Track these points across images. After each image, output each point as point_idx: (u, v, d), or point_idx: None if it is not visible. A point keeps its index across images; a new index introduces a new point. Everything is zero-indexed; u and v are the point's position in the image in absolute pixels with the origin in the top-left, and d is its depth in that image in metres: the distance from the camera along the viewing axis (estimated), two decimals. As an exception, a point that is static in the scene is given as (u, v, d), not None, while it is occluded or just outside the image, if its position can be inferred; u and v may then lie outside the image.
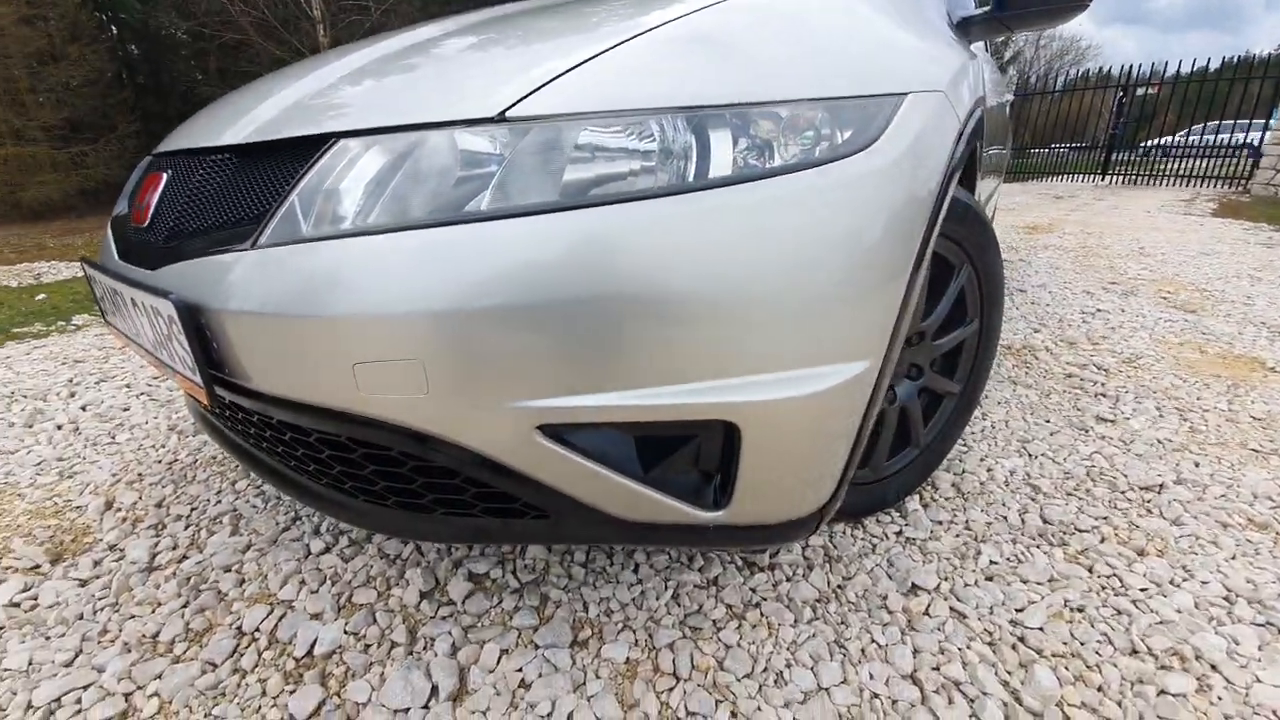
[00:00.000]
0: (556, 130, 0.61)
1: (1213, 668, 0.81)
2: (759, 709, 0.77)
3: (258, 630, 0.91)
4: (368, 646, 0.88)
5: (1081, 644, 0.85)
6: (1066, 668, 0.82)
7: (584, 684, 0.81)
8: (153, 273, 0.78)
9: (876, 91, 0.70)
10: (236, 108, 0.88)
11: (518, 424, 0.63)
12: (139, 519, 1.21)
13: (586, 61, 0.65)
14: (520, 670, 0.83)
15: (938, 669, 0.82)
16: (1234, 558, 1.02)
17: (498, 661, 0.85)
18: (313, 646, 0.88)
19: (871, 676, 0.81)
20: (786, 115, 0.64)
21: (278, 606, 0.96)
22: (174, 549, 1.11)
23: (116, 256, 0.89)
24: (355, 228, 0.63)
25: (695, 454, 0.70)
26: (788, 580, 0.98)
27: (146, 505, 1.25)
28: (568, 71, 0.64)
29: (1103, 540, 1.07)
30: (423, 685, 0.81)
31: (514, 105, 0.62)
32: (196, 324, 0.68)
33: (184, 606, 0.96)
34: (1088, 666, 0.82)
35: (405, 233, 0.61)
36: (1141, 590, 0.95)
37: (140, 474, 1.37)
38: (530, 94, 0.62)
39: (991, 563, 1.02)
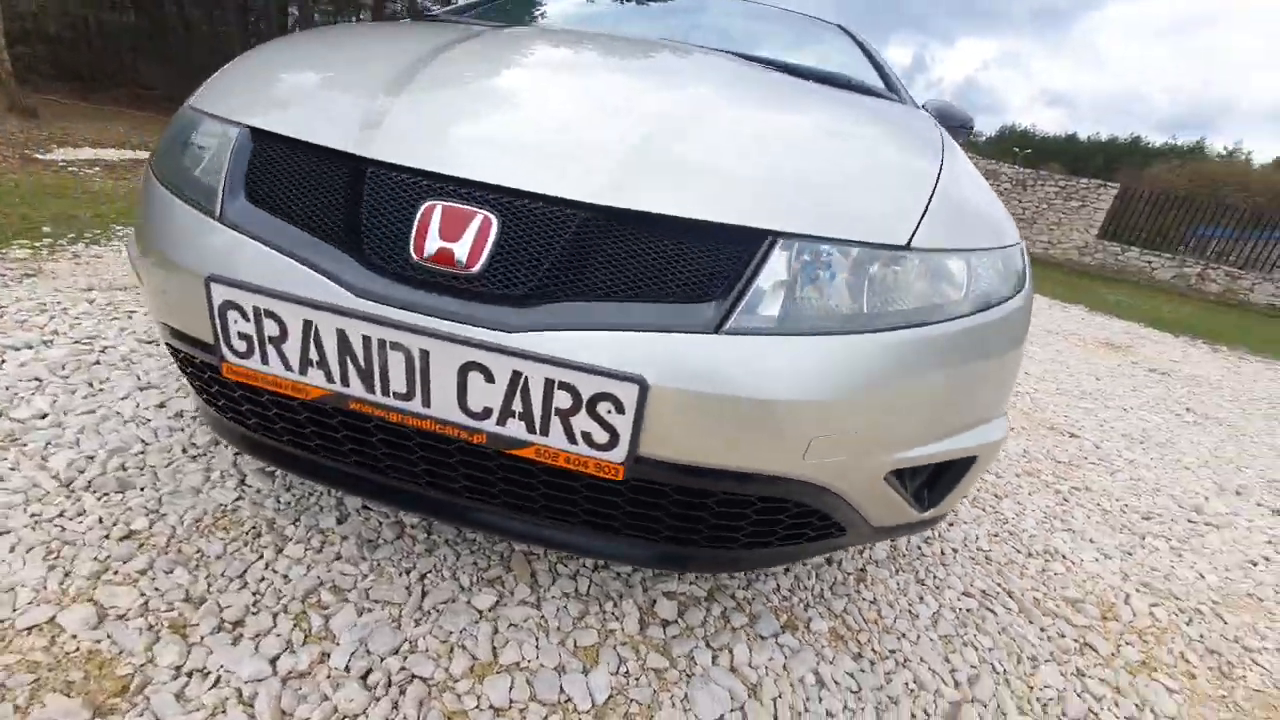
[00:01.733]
0: (935, 260, 0.83)
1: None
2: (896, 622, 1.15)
3: (533, 701, 0.88)
4: (638, 680, 0.95)
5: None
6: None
7: (822, 652, 1.06)
8: (513, 335, 0.69)
9: (1011, 242, 1.07)
10: (516, 132, 0.79)
11: (880, 471, 0.85)
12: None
13: (929, 205, 0.86)
14: (771, 658, 1.03)
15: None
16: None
17: (750, 655, 1.03)
18: (594, 698, 0.90)
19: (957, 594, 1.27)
20: (1003, 259, 0.97)
21: (516, 673, 0.92)
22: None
23: (362, 295, 0.71)
24: (806, 326, 0.73)
25: (937, 474, 1.01)
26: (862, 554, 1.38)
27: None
28: (924, 214, 0.85)
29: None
30: (722, 694, 0.94)
31: (913, 237, 0.80)
32: (643, 402, 0.67)
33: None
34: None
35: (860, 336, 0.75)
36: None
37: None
38: (918, 228, 0.82)
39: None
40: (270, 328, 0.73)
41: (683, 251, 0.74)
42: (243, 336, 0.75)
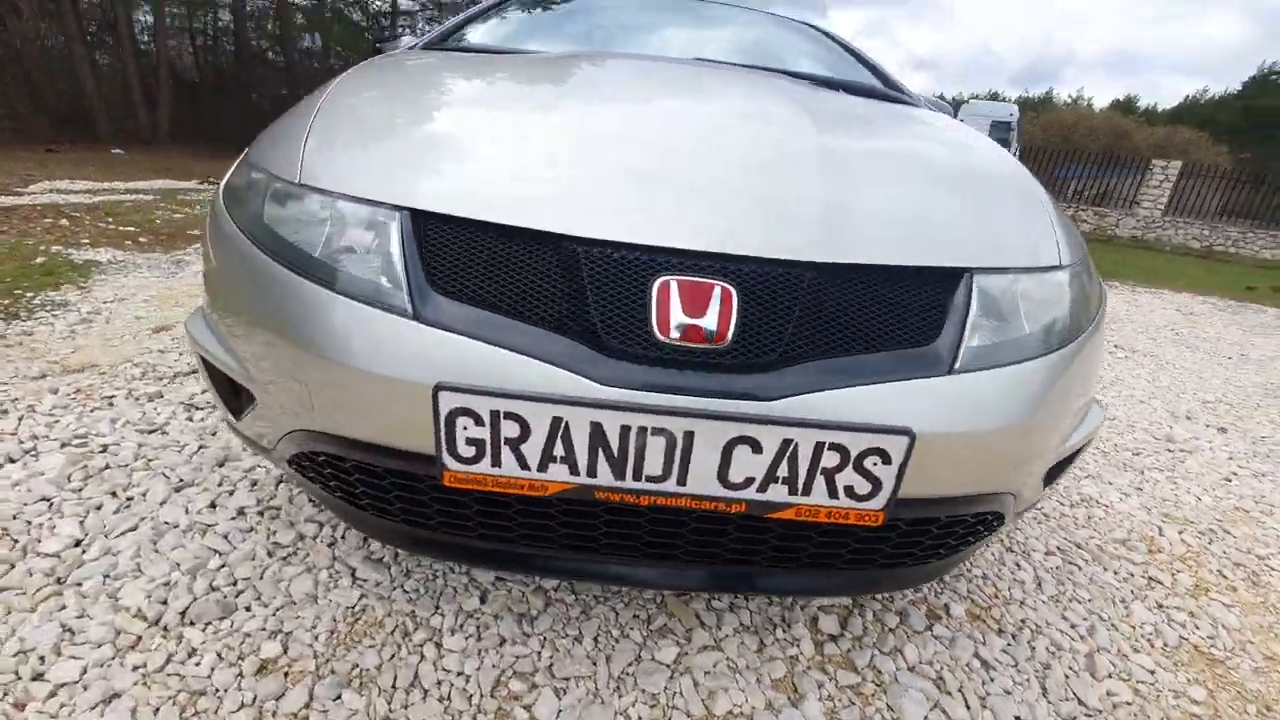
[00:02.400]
0: (1078, 273, 0.91)
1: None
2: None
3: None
4: (843, 701, 0.99)
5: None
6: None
7: (972, 635, 1.16)
8: (772, 404, 0.69)
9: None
10: (708, 205, 0.78)
11: (1046, 467, 0.93)
12: None
13: (1053, 220, 0.95)
14: (936, 651, 1.11)
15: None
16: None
17: (919, 652, 1.10)
18: (814, 726, 0.93)
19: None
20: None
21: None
22: None
23: (611, 383, 0.68)
24: (1010, 355, 0.79)
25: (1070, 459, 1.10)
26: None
27: None
28: (1055, 230, 0.93)
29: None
30: (919, 695, 1.01)
31: (1061, 255, 0.88)
32: (911, 451, 0.70)
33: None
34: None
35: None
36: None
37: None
38: (1059, 246, 0.90)
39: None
40: (509, 429, 0.68)
41: (899, 298, 0.77)
42: (472, 442, 0.69)
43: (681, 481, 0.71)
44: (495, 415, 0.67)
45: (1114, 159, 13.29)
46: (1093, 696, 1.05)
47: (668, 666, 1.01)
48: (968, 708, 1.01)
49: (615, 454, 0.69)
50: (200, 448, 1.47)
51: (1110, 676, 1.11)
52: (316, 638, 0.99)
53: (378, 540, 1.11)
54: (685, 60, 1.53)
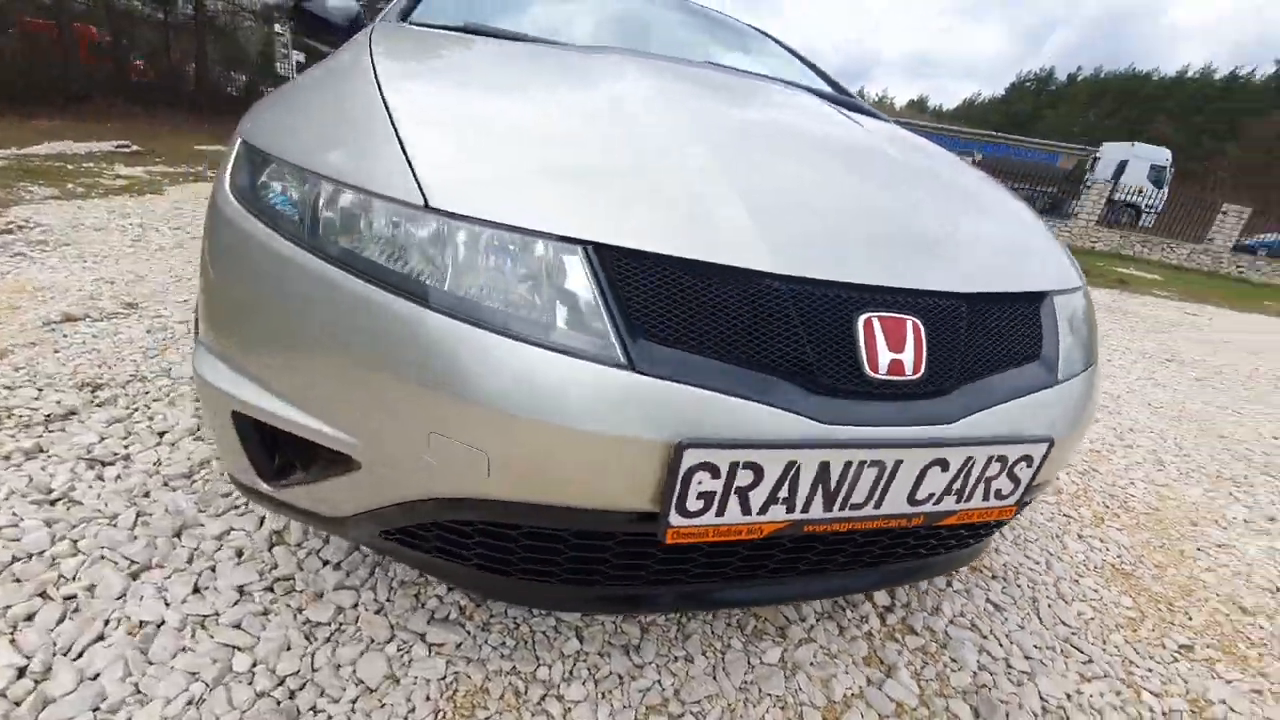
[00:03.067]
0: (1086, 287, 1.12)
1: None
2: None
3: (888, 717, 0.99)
4: (915, 664, 1.14)
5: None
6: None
7: (981, 585, 1.39)
8: (951, 425, 0.76)
9: None
10: (854, 243, 0.81)
11: None
12: None
13: (1056, 240, 1.15)
14: (962, 604, 1.32)
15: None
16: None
17: (951, 607, 1.29)
18: (912, 690, 1.06)
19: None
20: None
21: (856, 702, 1.02)
22: None
23: (833, 421, 0.69)
24: (1079, 364, 0.95)
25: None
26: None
27: None
28: (1062, 249, 1.13)
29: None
30: (968, 641, 1.19)
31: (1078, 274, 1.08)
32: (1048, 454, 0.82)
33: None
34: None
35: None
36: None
37: None
38: (1071, 263, 1.10)
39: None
40: (744, 478, 0.66)
41: (1014, 320, 0.89)
42: (702, 495, 0.66)
43: (878, 505, 0.76)
44: (734, 467, 0.65)
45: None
46: (1071, 616, 1.34)
47: (778, 666, 1.07)
48: (1000, 645, 1.22)
49: (832, 489, 0.71)
50: (139, 516, 1.16)
51: (1075, 600, 1.41)
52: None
53: (525, 605, 1.02)
54: (697, 63, 1.52)
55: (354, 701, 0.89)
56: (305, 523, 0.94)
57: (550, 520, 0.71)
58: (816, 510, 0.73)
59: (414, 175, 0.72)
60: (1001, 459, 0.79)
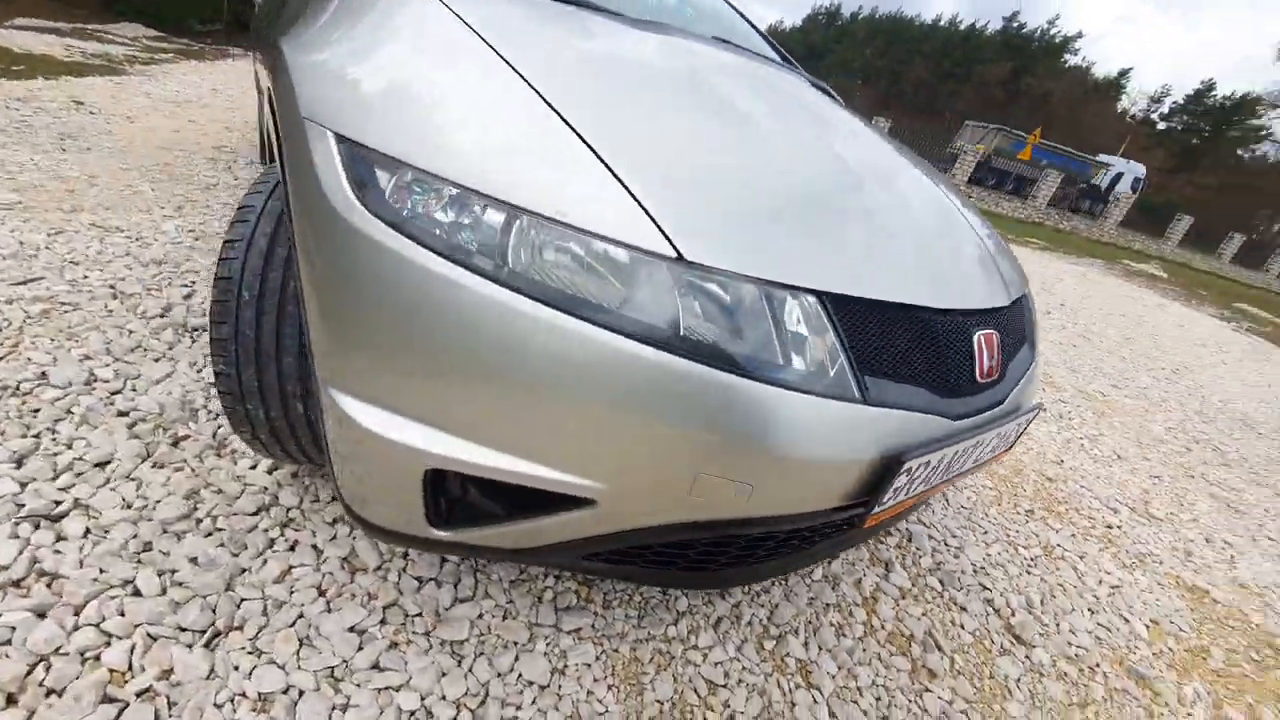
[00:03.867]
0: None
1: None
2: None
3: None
4: (877, 595, 1.54)
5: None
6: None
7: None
8: (1005, 404, 1.03)
9: None
10: (944, 278, 0.99)
11: None
12: None
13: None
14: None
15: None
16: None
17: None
18: (894, 589, 1.46)
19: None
20: None
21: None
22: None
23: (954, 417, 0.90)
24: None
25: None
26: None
27: None
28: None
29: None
30: (901, 582, 1.63)
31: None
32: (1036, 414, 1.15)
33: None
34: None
35: None
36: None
37: None
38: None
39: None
40: (919, 472, 0.86)
41: (1015, 317, 1.19)
42: (898, 490, 0.84)
43: (965, 466, 1.02)
44: (923, 465, 0.84)
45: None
46: (965, 500, 1.89)
47: (825, 582, 1.37)
48: (938, 530, 1.69)
49: (953, 462, 0.95)
50: (163, 574, 0.95)
51: (964, 488, 1.97)
52: (606, 706, 0.97)
53: (707, 589, 1.17)
54: (741, 51, 1.51)
55: (534, 701, 0.94)
56: (469, 556, 0.91)
57: (772, 525, 0.83)
58: (939, 478, 0.97)
59: (653, 220, 0.70)
60: (1019, 423, 1.12)
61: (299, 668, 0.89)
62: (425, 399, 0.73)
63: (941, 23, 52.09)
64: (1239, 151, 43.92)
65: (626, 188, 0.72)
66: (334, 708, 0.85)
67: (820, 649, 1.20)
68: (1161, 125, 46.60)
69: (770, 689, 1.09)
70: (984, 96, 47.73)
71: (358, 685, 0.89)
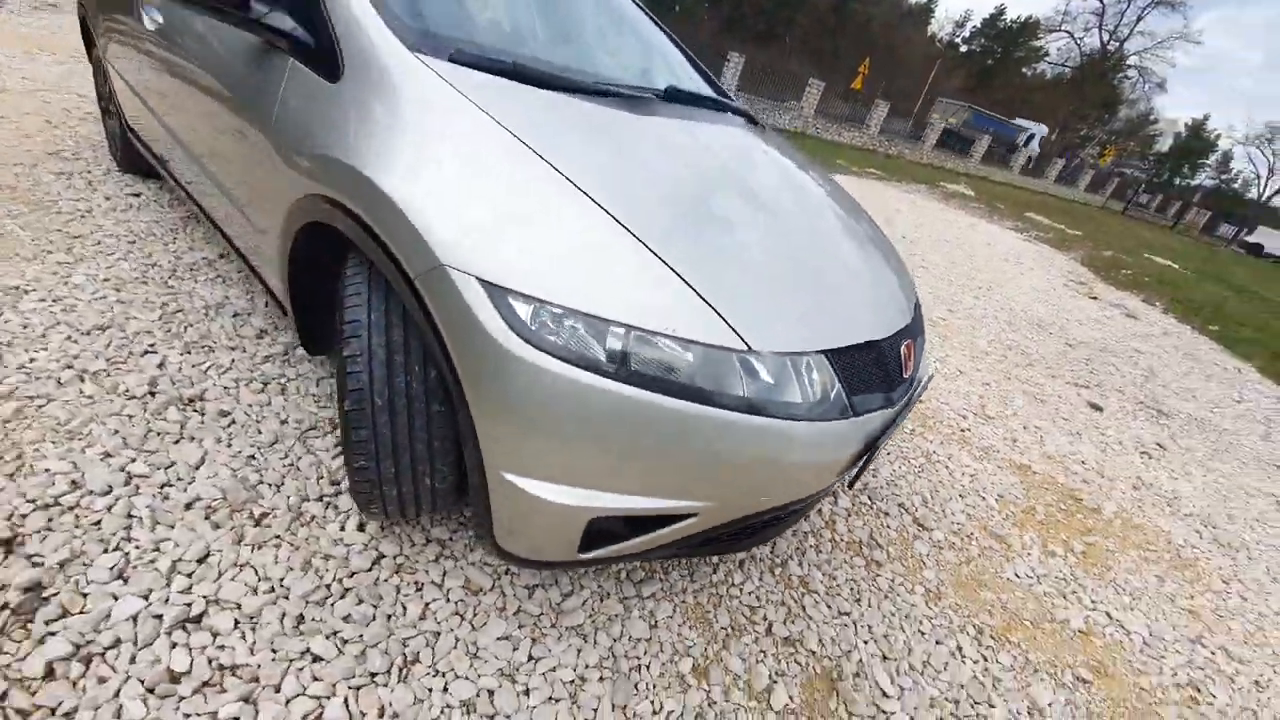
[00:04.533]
0: None
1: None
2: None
3: (847, 527, 1.90)
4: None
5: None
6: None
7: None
8: (919, 381, 1.52)
9: None
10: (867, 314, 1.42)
11: None
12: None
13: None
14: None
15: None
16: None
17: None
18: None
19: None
20: None
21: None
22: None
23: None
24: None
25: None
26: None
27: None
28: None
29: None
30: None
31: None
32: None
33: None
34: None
35: None
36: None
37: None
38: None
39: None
40: (881, 446, 1.30)
41: (916, 324, 1.66)
42: (868, 461, 1.28)
43: (899, 427, 1.50)
44: (884, 439, 1.28)
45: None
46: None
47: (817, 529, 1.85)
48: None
49: (894, 430, 1.42)
50: (330, 634, 1.14)
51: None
52: (691, 640, 1.36)
53: (737, 551, 1.42)
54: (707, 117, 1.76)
55: (646, 651, 1.30)
56: (592, 566, 1.21)
57: (799, 504, 1.23)
58: (887, 442, 1.44)
59: (731, 328, 1.01)
60: (924, 388, 1.63)
61: (480, 675, 1.15)
62: (582, 471, 1.00)
63: (775, -56, 53.51)
64: (1024, 70, 51.57)
65: (709, 304, 1.02)
66: (520, 694, 1.15)
67: (809, 565, 1.68)
68: (964, 49, 52.88)
69: (787, 600, 1.55)
70: (816, 21, 50.36)
71: (528, 675, 1.18)
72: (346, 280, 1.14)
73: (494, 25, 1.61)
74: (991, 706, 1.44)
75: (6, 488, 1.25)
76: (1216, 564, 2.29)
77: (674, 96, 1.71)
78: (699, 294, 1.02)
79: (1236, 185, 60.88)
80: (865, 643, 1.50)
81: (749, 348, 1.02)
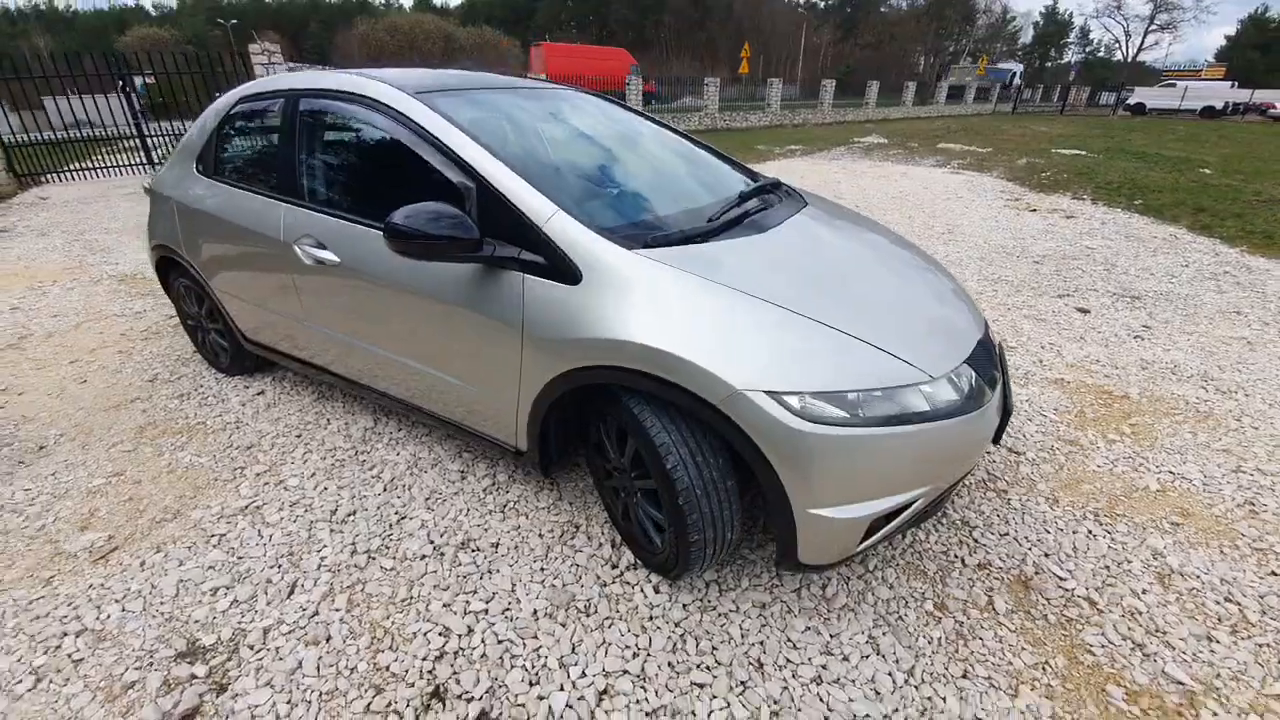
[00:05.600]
0: None
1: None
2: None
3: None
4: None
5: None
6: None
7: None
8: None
9: None
10: None
11: None
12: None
13: None
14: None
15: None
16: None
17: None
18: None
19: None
20: None
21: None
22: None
23: None
24: None
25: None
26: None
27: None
28: None
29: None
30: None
31: None
32: None
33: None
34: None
35: None
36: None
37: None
38: None
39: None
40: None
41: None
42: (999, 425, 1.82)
43: None
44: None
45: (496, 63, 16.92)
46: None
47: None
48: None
49: (1005, 400, 1.97)
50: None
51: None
52: (923, 594, 1.86)
53: None
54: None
55: (907, 603, 1.79)
56: (859, 555, 1.70)
57: (968, 472, 1.76)
58: None
59: (915, 367, 1.53)
60: (1001, 349, 2.19)
61: (810, 657, 1.62)
62: (859, 491, 1.50)
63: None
64: (882, 10, 55.11)
65: (898, 357, 1.53)
66: (842, 660, 1.62)
67: (962, 509, 2.20)
68: (821, 5, 56.19)
69: (962, 539, 2.06)
70: (680, 19, 52.67)
71: (839, 646, 1.65)
72: (636, 415, 1.60)
73: (634, 200, 2.13)
74: (1129, 561, 1.98)
75: (396, 658, 1.65)
76: (1225, 408, 2.93)
77: (745, 197, 2.24)
78: (889, 353, 1.53)
79: (1101, 54, 66.16)
80: (1029, 550, 2.03)
81: (931, 377, 1.54)
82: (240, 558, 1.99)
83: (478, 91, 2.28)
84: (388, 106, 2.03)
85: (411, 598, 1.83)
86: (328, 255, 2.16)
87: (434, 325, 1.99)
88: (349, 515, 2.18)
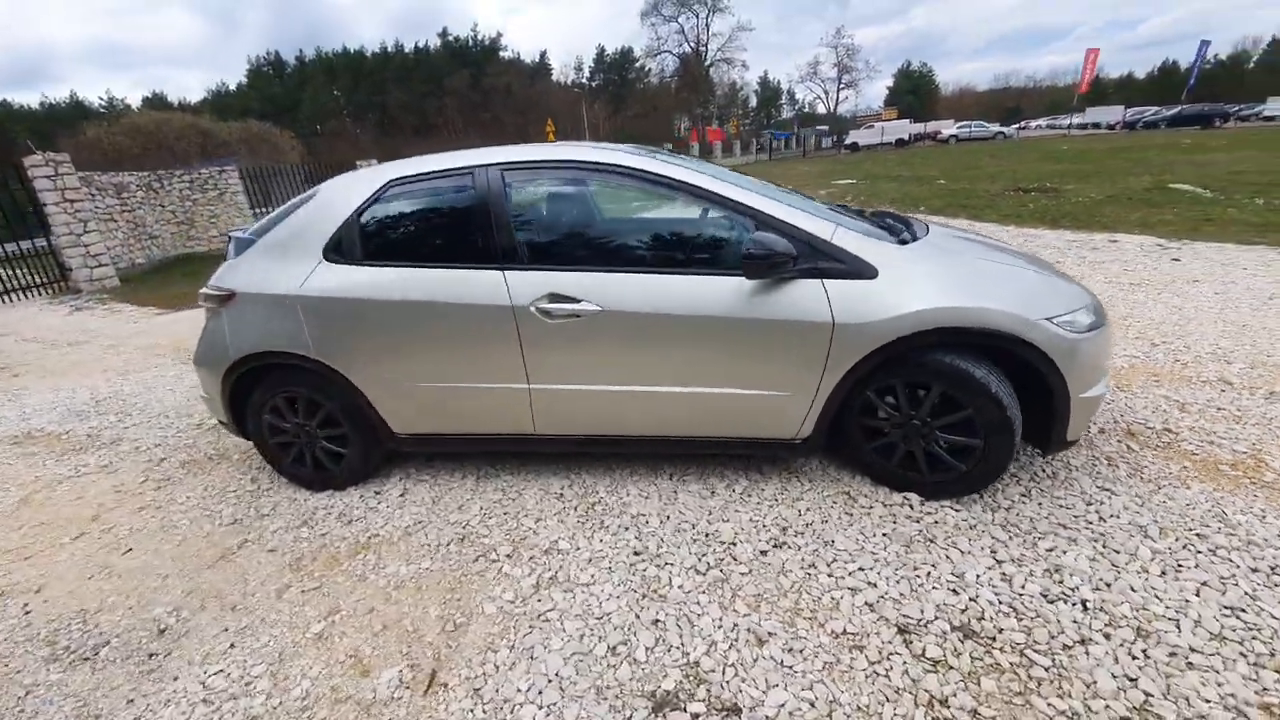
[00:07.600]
0: None
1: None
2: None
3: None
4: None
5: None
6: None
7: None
8: None
9: None
10: None
11: None
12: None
13: None
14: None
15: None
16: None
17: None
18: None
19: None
20: None
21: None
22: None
23: None
24: None
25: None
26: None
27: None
28: None
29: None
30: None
31: None
32: None
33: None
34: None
35: None
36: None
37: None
38: None
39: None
40: None
41: None
42: None
43: None
44: None
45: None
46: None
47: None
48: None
49: None
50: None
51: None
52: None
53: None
54: None
55: (1054, 527, 2.53)
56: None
57: None
58: None
59: (1093, 296, 2.31)
60: None
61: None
62: (1097, 376, 2.21)
63: (388, 49, 56.22)
64: (639, 86, 63.48)
65: (1076, 283, 2.31)
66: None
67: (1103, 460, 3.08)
68: (592, 84, 62.86)
69: (1103, 472, 2.91)
70: (463, 101, 54.48)
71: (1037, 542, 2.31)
72: (949, 363, 2.12)
73: (854, 215, 2.68)
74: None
75: (842, 623, 1.89)
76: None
77: (871, 215, 2.94)
78: (1080, 285, 2.29)
79: (808, 110, 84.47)
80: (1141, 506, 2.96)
81: (1086, 304, 2.32)
82: (599, 617, 1.97)
83: (655, 155, 2.64)
84: (630, 169, 2.33)
85: (805, 578, 2.04)
86: (586, 306, 2.30)
87: (717, 343, 2.27)
88: (657, 554, 2.26)
